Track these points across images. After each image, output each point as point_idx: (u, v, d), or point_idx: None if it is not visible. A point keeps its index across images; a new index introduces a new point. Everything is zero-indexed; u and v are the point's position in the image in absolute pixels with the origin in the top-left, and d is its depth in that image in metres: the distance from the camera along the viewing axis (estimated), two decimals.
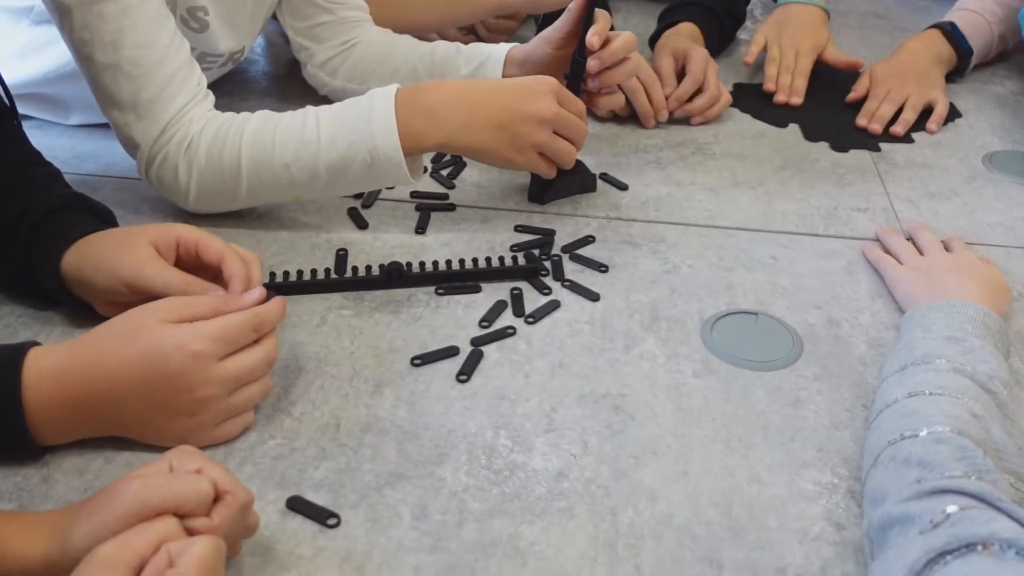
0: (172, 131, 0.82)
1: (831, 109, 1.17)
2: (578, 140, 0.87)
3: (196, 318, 0.61)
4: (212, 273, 0.68)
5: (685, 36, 1.18)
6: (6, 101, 0.81)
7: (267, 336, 0.64)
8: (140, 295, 0.66)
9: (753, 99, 1.19)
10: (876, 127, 1.12)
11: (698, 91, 1.10)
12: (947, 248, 0.84)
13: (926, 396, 0.61)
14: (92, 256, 0.70)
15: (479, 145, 0.84)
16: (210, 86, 0.87)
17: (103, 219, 0.77)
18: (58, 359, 0.59)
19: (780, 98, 1.17)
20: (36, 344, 0.61)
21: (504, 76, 0.97)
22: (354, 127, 0.81)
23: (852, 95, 1.18)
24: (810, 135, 1.11)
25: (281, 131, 0.82)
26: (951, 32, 1.22)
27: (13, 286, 0.76)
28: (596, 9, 0.88)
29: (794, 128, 1.13)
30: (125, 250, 0.68)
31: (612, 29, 0.90)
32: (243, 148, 0.81)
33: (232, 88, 1.14)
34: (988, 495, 0.50)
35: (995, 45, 1.27)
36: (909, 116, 1.13)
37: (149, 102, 0.81)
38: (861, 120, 1.13)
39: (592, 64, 0.88)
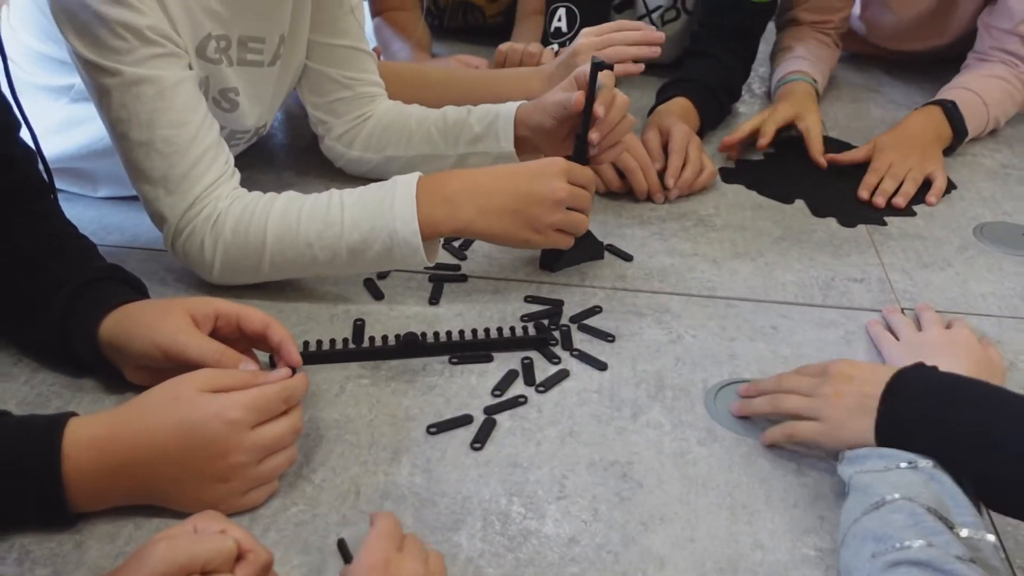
0: (200, 207, 0.86)
1: (834, 183, 1.21)
2: (586, 210, 0.92)
3: (230, 389, 0.64)
4: (246, 345, 0.71)
5: (677, 111, 1.23)
6: (45, 176, 0.86)
7: (294, 408, 0.67)
8: (173, 361, 0.70)
9: (756, 174, 1.23)
10: (880, 200, 1.16)
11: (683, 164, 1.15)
12: (948, 327, 0.87)
13: (877, 472, 0.64)
14: (129, 323, 0.73)
15: (496, 230, 0.88)
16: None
17: (137, 290, 0.81)
18: (97, 429, 0.63)
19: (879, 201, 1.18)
20: (74, 415, 0.64)
21: (515, 135, 1.02)
22: (376, 212, 0.85)
23: (844, 158, 1.23)
24: (817, 211, 1.15)
25: (306, 212, 0.86)
26: (951, 112, 1.27)
27: (47, 353, 0.80)
28: (600, 73, 0.91)
29: (798, 202, 1.17)
30: (162, 318, 0.72)
31: (617, 85, 0.95)
32: (269, 226, 0.86)
33: (252, 160, 1.19)
34: (936, 561, 0.54)
35: (989, 126, 1.33)
36: (910, 189, 1.17)
37: (179, 178, 0.85)
38: (863, 192, 1.18)
39: (593, 136, 0.93)
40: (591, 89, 0.90)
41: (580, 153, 0.94)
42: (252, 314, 0.74)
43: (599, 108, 0.91)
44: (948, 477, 0.61)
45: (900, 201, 1.16)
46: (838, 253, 1.05)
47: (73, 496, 0.63)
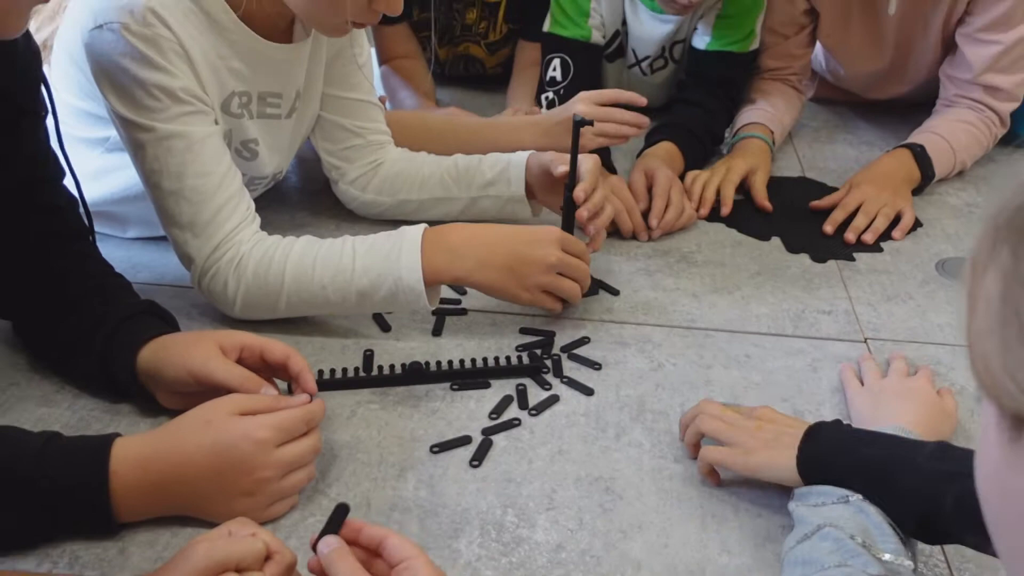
0: (224, 249, 0.95)
1: (808, 221, 1.30)
2: (582, 279, 1.01)
3: (257, 412, 0.73)
4: (268, 374, 0.81)
5: (662, 155, 1.33)
6: (85, 220, 0.95)
7: (313, 430, 0.76)
8: (203, 386, 0.79)
9: (735, 213, 1.31)
10: (851, 236, 1.25)
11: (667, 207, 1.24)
12: (915, 373, 0.94)
13: (813, 507, 0.71)
14: (164, 353, 0.82)
15: (490, 283, 0.98)
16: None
17: (169, 323, 0.90)
18: (140, 449, 0.72)
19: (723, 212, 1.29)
20: (119, 435, 0.73)
21: (526, 181, 1.13)
22: (384, 261, 0.94)
23: (825, 202, 1.32)
24: (791, 247, 1.24)
25: (321, 257, 0.95)
26: (920, 155, 1.36)
27: (89, 381, 0.88)
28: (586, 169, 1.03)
29: (775, 239, 1.26)
30: (194, 347, 0.81)
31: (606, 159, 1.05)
32: (287, 270, 0.95)
33: (268, 202, 1.27)
34: None
35: (955, 168, 1.42)
36: (880, 224, 1.26)
37: (205, 223, 0.94)
38: (827, 227, 1.27)
39: (581, 214, 1.03)
40: (574, 146, 1.01)
41: (569, 208, 1.04)
42: (274, 346, 0.83)
43: (578, 193, 1.02)
44: (875, 509, 0.69)
45: (869, 237, 1.25)
46: (809, 287, 1.14)
47: (118, 508, 0.71)
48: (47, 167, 0.92)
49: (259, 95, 1.05)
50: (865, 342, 1.03)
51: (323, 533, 0.62)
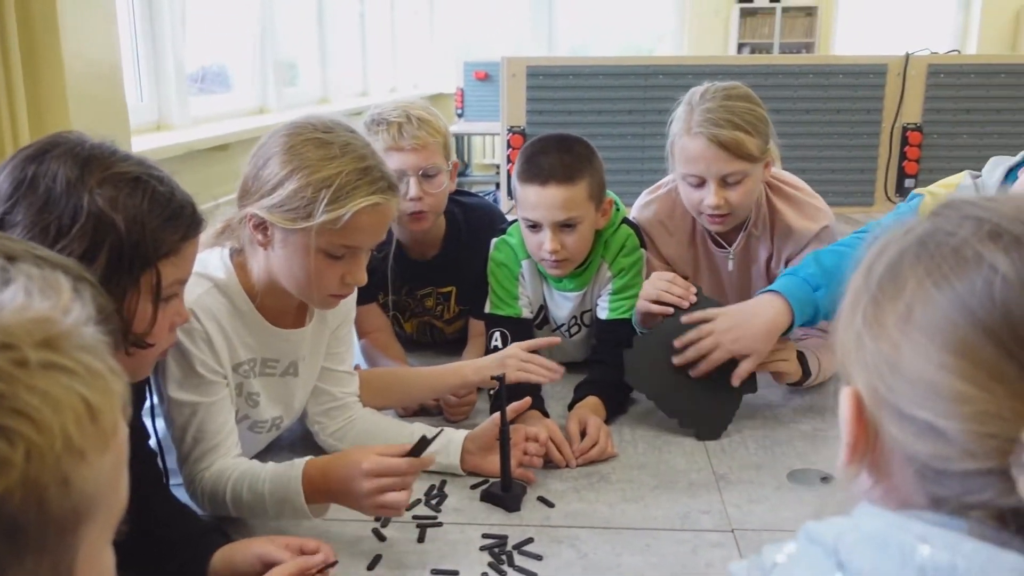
0: (205, 467, 1.37)
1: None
2: (405, 487, 1.29)
3: None
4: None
5: (591, 405, 1.76)
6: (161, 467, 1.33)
7: None
8: (266, 565, 1.16)
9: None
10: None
11: (593, 446, 1.65)
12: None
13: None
14: (231, 551, 1.20)
15: (347, 504, 1.32)
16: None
17: (223, 533, 1.28)
18: None
19: None
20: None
21: (463, 451, 1.56)
22: (285, 492, 1.31)
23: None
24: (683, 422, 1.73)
25: (247, 484, 1.34)
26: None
27: None
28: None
29: (666, 455, 1.67)
30: (254, 544, 1.20)
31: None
32: (229, 479, 1.35)
33: (280, 448, 1.66)
34: None
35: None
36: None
37: (199, 455, 1.37)
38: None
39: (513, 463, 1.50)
40: (499, 398, 1.46)
41: (504, 444, 1.46)
42: (308, 540, 1.21)
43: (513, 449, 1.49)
44: None
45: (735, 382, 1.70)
46: (694, 495, 1.54)
47: None
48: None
49: (262, 360, 1.48)
50: (732, 532, 1.42)
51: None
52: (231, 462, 1.38)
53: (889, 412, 0.66)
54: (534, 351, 1.68)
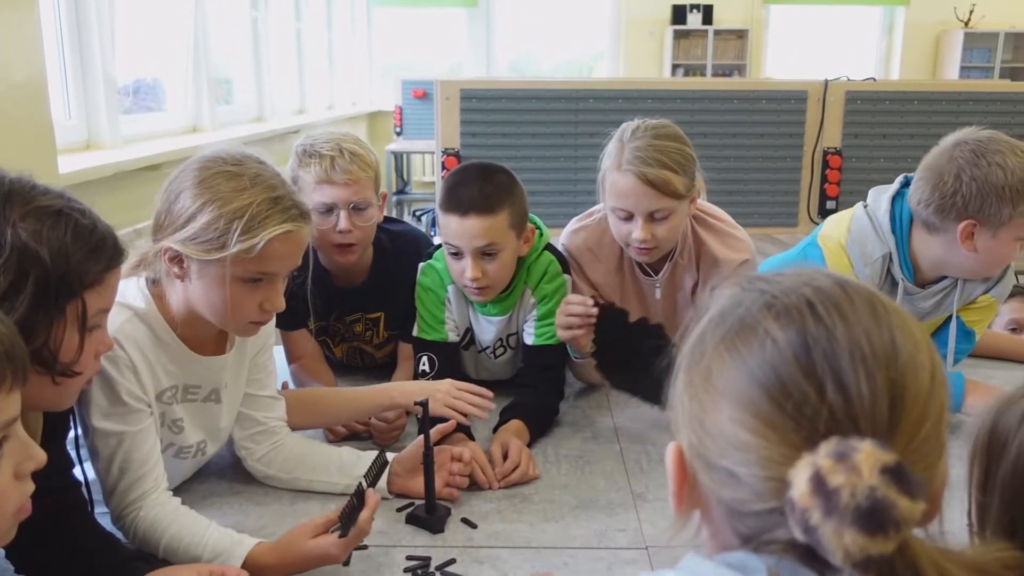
0: (136, 506, 1.38)
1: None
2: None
3: None
4: None
5: (514, 429, 1.81)
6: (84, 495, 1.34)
7: None
8: None
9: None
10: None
11: (515, 468, 1.70)
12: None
13: None
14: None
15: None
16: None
17: (147, 560, 1.29)
18: None
19: None
20: None
21: (390, 474, 1.60)
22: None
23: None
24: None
25: (186, 532, 1.37)
26: None
27: None
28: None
29: (588, 475, 1.72)
30: (180, 572, 1.25)
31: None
32: (166, 532, 1.37)
33: (209, 475, 1.67)
34: None
35: None
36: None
37: (126, 487, 1.38)
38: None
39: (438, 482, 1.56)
40: (424, 422, 1.51)
41: (428, 467, 1.51)
42: (230, 570, 1.25)
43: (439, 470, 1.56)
44: None
45: None
46: (611, 511, 1.60)
47: None
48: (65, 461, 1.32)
49: (184, 387, 1.51)
50: (646, 549, 1.48)
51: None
52: (167, 513, 1.39)
53: (701, 463, 0.74)
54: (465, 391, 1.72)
